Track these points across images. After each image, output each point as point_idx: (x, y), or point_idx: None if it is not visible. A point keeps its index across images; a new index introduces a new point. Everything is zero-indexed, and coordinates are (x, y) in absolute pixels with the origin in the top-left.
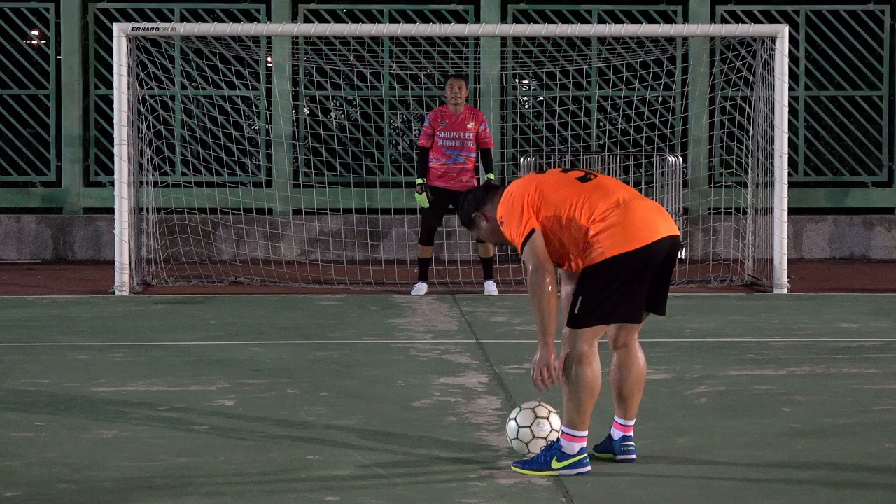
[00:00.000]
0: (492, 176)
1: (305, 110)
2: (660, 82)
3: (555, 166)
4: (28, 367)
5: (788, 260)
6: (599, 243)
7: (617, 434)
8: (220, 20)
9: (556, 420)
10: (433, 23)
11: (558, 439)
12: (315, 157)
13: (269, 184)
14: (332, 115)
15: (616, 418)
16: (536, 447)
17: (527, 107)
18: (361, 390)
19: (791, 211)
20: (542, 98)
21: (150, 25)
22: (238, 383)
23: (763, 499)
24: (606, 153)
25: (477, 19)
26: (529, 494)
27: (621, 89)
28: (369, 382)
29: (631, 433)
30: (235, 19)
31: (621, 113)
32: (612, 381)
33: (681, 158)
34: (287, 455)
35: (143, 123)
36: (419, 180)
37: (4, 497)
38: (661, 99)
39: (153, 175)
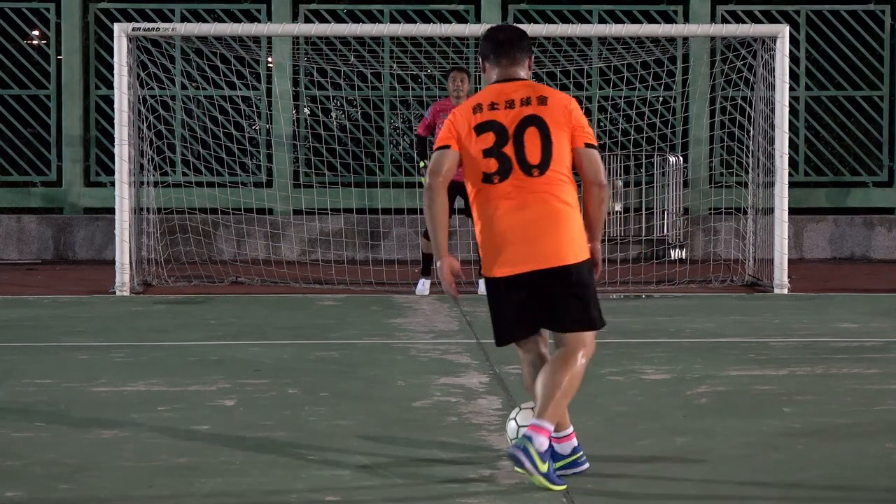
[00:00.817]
0: None
1: (306, 110)
2: (660, 82)
3: None
4: (28, 368)
5: (789, 260)
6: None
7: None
8: (221, 20)
9: None
10: (434, 23)
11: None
12: (316, 157)
13: (269, 184)
14: (333, 115)
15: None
16: None
17: None
18: (362, 390)
19: (791, 211)
20: None
21: (150, 25)
22: (239, 383)
23: (764, 499)
24: (607, 153)
25: (478, 19)
26: (530, 494)
27: (622, 89)
28: (370, 382)
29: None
30: (236, 19)
31: (622, 113)
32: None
33: (681, 158)
34: (287, 455)
35: (143, 123)
36: (422, 163)
37: (5, 497)
38: (661, 99)
39: (154, 175)
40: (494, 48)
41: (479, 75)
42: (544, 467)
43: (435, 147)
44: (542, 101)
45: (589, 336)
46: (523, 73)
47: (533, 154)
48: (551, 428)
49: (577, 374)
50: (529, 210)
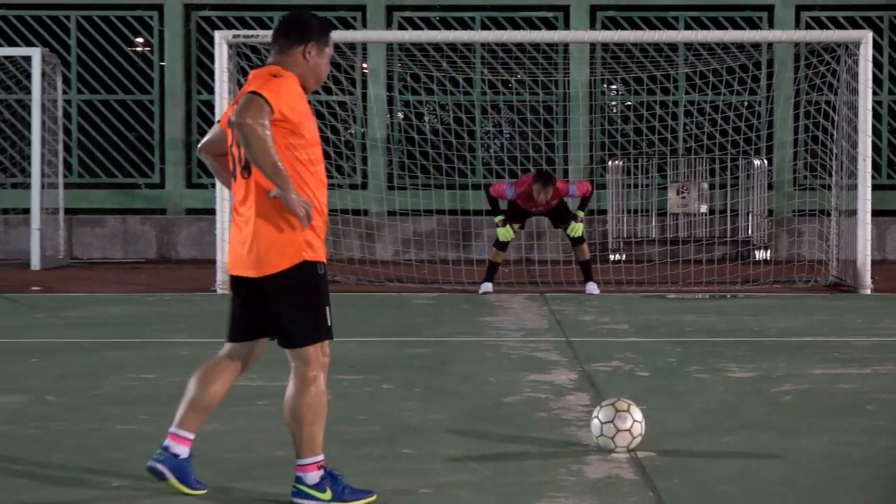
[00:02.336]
0: (580, 213)
1: (399, 115)
2: (745, 87)
3: (643, 171)
4: (133, 363)
5: (872, 261)
6: None
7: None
8: None
9: (636, 412)
10: (523, 29)
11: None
12: (409, 159)
13: (364, 186)
14: (426, 118)
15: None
16: (622, 441)
17: (615, 111)
18: (454, 386)
19: (874, 213)
20: (629, 102)
21: (250, 33)
22: (334, 379)
23: (845, 495)
24: (693, 156)
25: (566, 26)
26: (618, 489)
27: (708, 94)
28: (461, 378)
29: (302, 473)
30: (332, 26)
31: (707, 117)
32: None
33: (766, 161)
34: (382, 448)
35: None
36: (498, 217)
37: (111, 487)
38: (746, 103)
39: None
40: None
41: (568, 80)
42: (327, 496)
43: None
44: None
45: None
46: (276, 58)
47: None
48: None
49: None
50: None
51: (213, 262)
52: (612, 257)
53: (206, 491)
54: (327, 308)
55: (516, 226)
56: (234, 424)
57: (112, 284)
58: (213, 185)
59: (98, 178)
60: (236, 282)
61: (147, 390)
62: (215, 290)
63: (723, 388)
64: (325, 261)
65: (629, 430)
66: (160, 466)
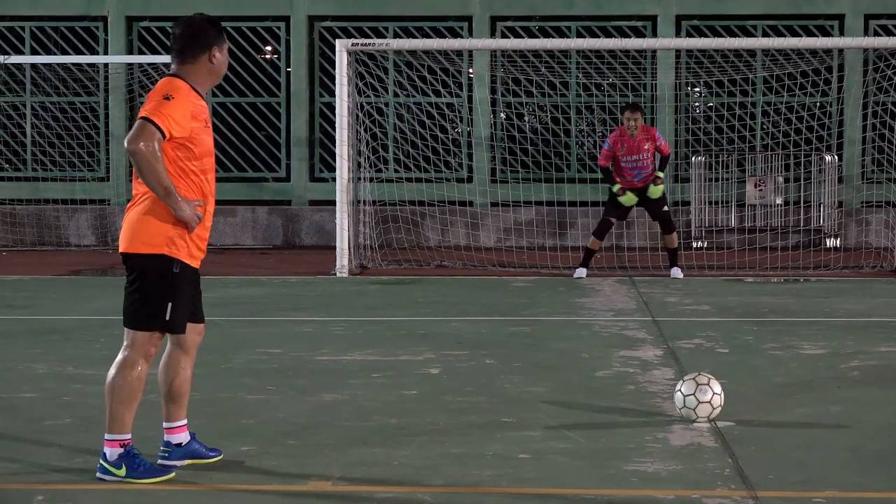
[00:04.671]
0: (661, 174)
1: (502, 115)
2: (817, 89)
3: (723, 166)
4: (261, 339)
5: None
6: None
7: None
8: (428, 36)
9: (716, 385)
10: (615, 37)
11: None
12: (510, 155)
13: (469, 179)
14: (526, 119)
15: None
16: (703, 412)
17: (698, 111)
18: (550, 361)
19: None
20: (711, 103)
21: (367, 41)
22: (442, 354)
23: None
24: (769, 152)
25: (654, 34)
26: (699, 455)
27: (783, 95)
28: (557, 354)
29: (108, 449)
30: (441, 35)
31: (783, 116)
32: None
33: (836, 157)
34: (485, 417)
35: (361, 127)
36: (616, 186)
37: (240, 451)
38: (818, 104)
39: (369, 172)
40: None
41: (655, 83)
42: (121, 472)
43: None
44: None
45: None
46: (178, 69)
47: None
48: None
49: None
50: None
51: (333, 248)
52: (695, 244)
53: (221, 455)
54: (170, 304)
55: (614, 219)
56: (351, 395)
57: (242, 268)
58: (334, 180)
59: (230, 172)
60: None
61: (274, 363)
62: (335, 273)
63: (796, 364)
64: (188, 262)
65: (709, 402)
66: (169, 462)
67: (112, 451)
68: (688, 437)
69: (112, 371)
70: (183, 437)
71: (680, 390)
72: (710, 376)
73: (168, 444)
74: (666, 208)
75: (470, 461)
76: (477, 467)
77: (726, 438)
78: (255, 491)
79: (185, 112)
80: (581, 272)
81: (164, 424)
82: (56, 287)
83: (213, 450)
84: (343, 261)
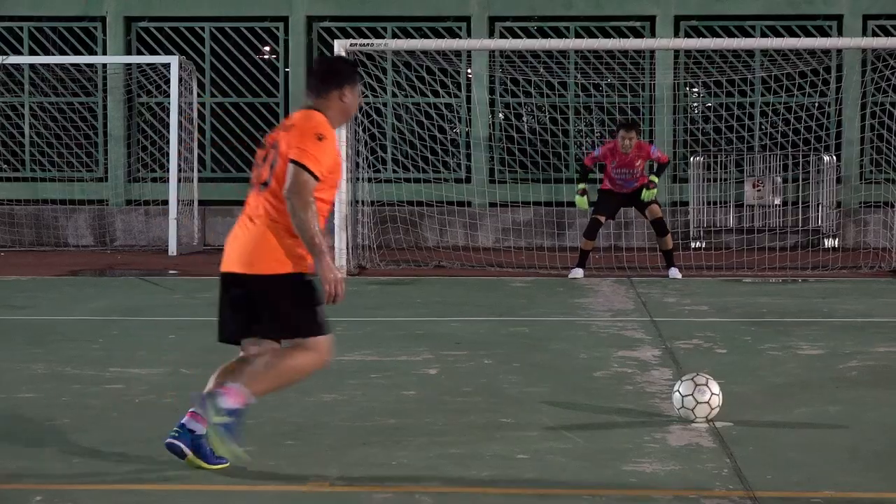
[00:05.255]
0: (655, 179)
1: (500, 115)
2: (816, 89)
3: (722, 166)
4: None
5: None
6: None
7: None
8: (426, 36)
9: (714, 386)
10: (613, 38)
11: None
12: (509, 156)
13: (468, 180)
14: (524, 119)
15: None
16: (701, 412)
17: (696, 111)
18: (549, 361)
19: None
20: (710, 104)
21: (365, 42)
22: (441, 354)
23: None
24: (768, 153)
25: (652, 34)
26: (697, 455)
27: (781, 96)
28: (556, 355)
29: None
30: (439, 35)
31: (781, 117)
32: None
33: (835, 157)
34: (483, 418)
35: (359, 127)
36: (580, 186)
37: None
38: (817, 104)
39: (368, 172)
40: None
41: (654, 83)
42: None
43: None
44: (288, 127)
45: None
46: (323, 105)
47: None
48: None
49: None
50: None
51: (332, 247)
52: (693, 245)
53: (227, 464)
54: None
55: (602, 217)
56: (350, 395)
57: None
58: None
59: (229, 172)
60: (223, 278)
61: None
62: None
63: (794, 365)
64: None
65: (707, 403)
66: (178, 442)
67: (232, 402)
68: (686, 437)
69: (293, 355)
70: (201, 429)
71: (678, 390)
72: (708, 376)
73: (184, 426)
74: (660, 213)
75: (469, 461)
76: (476, 468)
77: (724, 439)
78: (254, 491)
79: (334, 153)
80: (577, 272)
81: (195, 410)
82: (54, 287)
83: (221, 458)
84: (341, 261)
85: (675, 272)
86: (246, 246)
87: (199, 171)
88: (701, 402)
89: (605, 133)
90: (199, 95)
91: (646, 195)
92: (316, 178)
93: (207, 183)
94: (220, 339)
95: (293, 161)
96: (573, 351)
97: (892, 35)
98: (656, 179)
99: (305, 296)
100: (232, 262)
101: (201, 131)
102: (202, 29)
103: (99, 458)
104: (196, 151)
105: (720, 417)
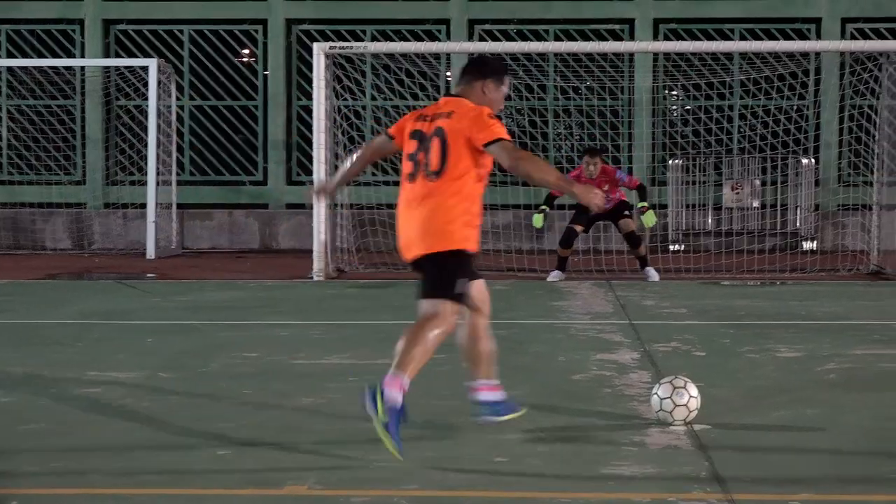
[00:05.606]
0: (645, 203)
1: None
2: (794, 92)
3: (700, 169)
4: (238, 343)
5: None
6: None
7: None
8: (406, 39)
9: (692, 388)
10: (593, 40)
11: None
12: None
13: None
14: (503, 122)
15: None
16: (679, 414)
17: (675, 115)
18: (528, 364)
19: None
20: (688, 107)
21: (345, 44)
22: None
23: (885, 464)
24: (746, 156)
25: (632, 37)
26: (675, 458)
27: (760, 99)
28: (535, 358)
29: (390, 389)
30: (419, 38)
31: (760, 120)
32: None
33: (813, 160)
34: (462, 421)
35: (338, 130)
36: (542, 206)
37: (217, 455)
38: (795, 107)
39: None
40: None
41: (633, 86)
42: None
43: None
44: (450, 115)
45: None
46: (471, 95)
47: (434, 160)
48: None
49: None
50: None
51: (310, 251)
52: (672, 247)
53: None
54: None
55: (578, 228)
56: (329, 399)
57: (219, 272)
58: (311, 183)
59: (207, 175)
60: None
61: (251, 367)
62: (312, 277)
63: (772, 367)
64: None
65: (686, 405)
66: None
67: (396, 394)
68: (664, 440)
69: (429, 329)
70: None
71: (657, 393)
72: (686, 379)
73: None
74: (632, 227)
75: (447, 465)
76: (454, 471)
77: (703, 441)
78: (232, 495)
79: None
80: (556, 275)
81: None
82: (32, 291)
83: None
84: (320, 264)
85: (652, 273)
86: (428, 228)
87: (177, 174)
88: (679, 405)
89: (585, 136)
90: (177, 98)
91: (647, 220)
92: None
93: (186, 186)
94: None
95: (491, 143)
96: (552, 354)
97: (871, 38)
98: (646, 204)
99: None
100: (418, 245)
101: (180, 134)
102: (181, 32)
103: (76, 462)
104: (175, 154)
105: (698, 420)
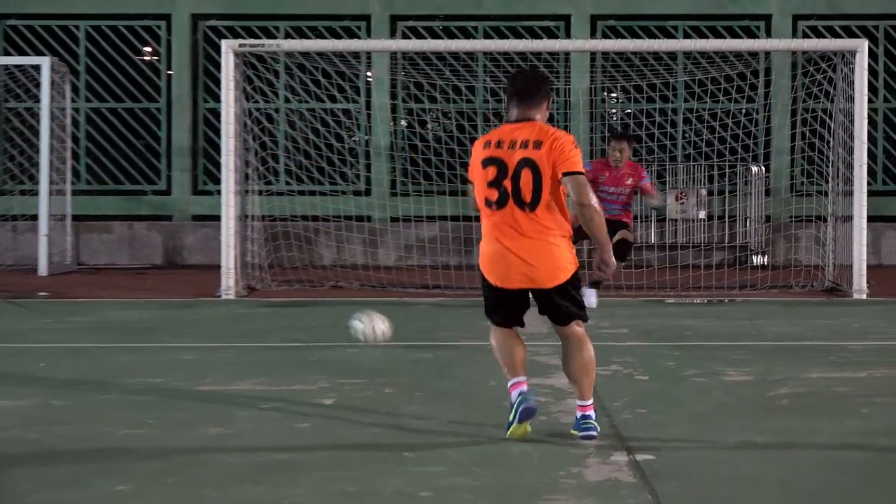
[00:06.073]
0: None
1: (403, 122)
2: (743, 95)
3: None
4: (139, 367)
5: (867, 266)
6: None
7: (577, 414)
8: (323, 37)
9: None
10: (525, 38)
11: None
12: (412, 166)
13: (368, 192)
14: (429, 126)
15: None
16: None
17: (614, 119)
18: (456, 390)
19: (870, 219)
20: (629, 110)
21: (256, 42)
22: (338, 383)
23: (845, 497)
24: (692, 163)
25: (567, 35)
26: (616, 491)
27: (706, 102)
28: (464, 382)
29: (589, 412)
30: (337, 36)
31: (706, 124)
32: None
33: (763, 168)
34: (384, 452)
35: (249, 135)
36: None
37: (116, 491)
38: (744, 111)
39: (258, 184)
40: (514, 93)
41: (569, 88)
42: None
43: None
44: (538, 144)
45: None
46: (538, 115)
47: (526, 191)
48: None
49: None
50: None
51: (218, 267)
52: None
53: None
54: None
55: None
56: (238, 428)
57: (118, 290)
58: (219, 192)
59: (105, 184)
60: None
61: (152, 394)
62: (220, 296)
63: (721, 392)
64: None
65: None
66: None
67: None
68: (604, 471)
69: (587, 349)
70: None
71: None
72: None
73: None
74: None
75: (368, 499)
76: None
77: (646, 473)
78: None
79: None
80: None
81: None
82: None
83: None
84: (229, 282)
85: (592, 297)
86: (546, 261)
87: (72, 183)
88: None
89: None
90: (73, 100)
91: (655, 199)
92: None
93: (82, 196)
94: (499, 324)
95: (571, 173)
96: (482, 379)
97: (824, 37)
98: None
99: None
100: (533, 278)
101: (75, 140)
102: (77, 28)
103: None
104: (69, 162)
105: (641, 450)
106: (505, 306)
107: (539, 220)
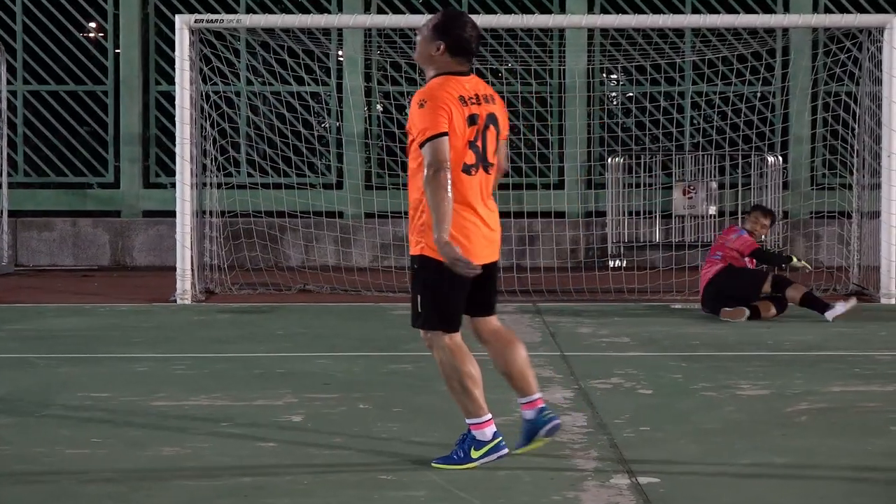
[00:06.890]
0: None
1: (378, 107)
2: (758, 77)
3: (645, 168)
4: (84, 380)
5: None
6: None
7: (529, 413)
8: (289, 11)
9: None
10: (515, 13)
11: (469, 432)
12: (389, 156)
13: (339, 185)
14: (407, 111)
15: (519, 400)
16: None
17: (615, 103)
18: (438, 405)
19: None
20: (631, 94)
21: (214, 17)
22: (307, 398)
23: None
24: (701, 153)
25: (562, 9)
26: None
27: (717, 84)
28: (446, 397)
29: (542, 403)
30: (305, 10)
31: (717, 110)
32: (497, 368)
33: (781, 158)
34: (358, 474)
35: (206, 121)
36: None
37: None
38: (759, 95)
39: (217, 176)
40: (475, 37)
41: (563, 69)
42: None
43: (434, 131)
44: (493, 99)
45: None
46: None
47: (490, 151)
48: None
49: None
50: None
51: (173, 269)
52: (611, 263)
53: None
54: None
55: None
56: (195, 448)
57: (61, 294)
58: (173, 185)
59: (46, 177)
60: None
61: (100, 410)
62: (175, 300)
63: (733, 408)
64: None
65: None
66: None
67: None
68: (603, 495)
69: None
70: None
71: None
72: None
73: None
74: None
75: None
76: None
77: (650, 498)
78: None
79: None
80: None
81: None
82: None
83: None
84: (185, 285)
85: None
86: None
87: (8, 174)
88: None
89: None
90: (8, 83)
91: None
92: None
93: (19, 189)
94: (458, 328)
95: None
96: None
97: (849, 11)
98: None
99: None
100: (493, 252)
101: (12, 126)
102: (13, 2)
103: None
104: (5, 151)
105: (644, 472)
106: (469, 299)
107: (491, 183)
